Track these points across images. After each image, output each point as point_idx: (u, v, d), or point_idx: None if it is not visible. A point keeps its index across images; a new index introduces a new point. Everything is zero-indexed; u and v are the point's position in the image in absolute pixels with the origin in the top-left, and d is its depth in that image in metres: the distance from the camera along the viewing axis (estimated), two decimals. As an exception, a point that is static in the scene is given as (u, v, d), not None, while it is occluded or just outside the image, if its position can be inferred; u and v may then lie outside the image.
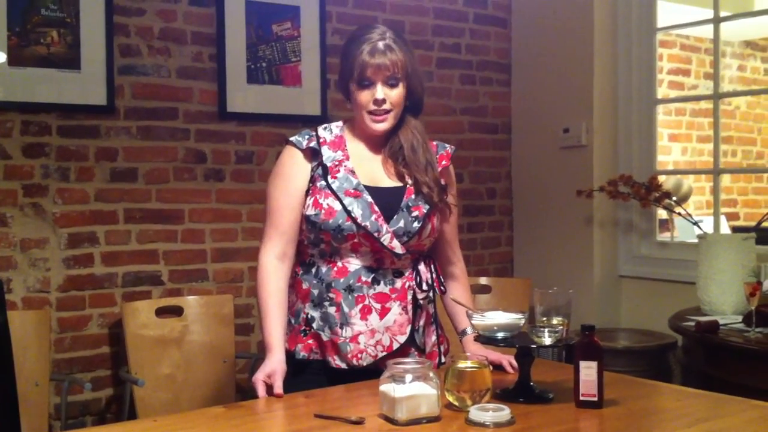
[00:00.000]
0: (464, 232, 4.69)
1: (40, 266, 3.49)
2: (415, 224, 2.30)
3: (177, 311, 3.64)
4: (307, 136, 2.37)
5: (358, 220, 2.24)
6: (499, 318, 2.12)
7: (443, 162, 2.45)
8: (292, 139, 2.38)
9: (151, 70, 3.73)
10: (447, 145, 2.51)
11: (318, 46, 4.13)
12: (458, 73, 4.70)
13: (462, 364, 2.01)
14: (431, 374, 1.92)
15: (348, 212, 2.25)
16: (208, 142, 3.87)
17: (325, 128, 2.41)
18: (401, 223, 2.28)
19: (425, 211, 2.32)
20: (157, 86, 3.75)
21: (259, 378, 2.17)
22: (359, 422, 1.88)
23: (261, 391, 2.15)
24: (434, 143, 2.48)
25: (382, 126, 2.32)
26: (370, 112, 2.30)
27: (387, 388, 1.90)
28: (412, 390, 1.87)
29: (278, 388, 2.14)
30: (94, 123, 3.60)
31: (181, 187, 3.80)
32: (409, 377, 1.88)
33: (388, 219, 2.27)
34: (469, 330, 2.39)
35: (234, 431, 1.89)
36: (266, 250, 2.32)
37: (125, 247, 3.67)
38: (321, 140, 2.36)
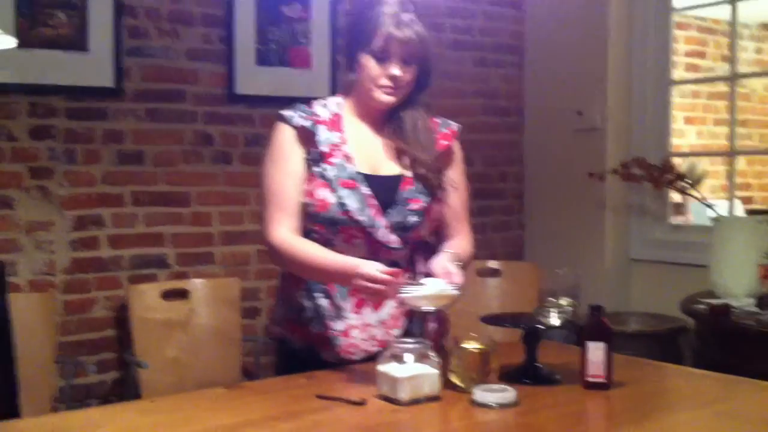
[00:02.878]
0: (475, 215, 4.54)
1: (45, 249, 3.47)
2: (412, 218, 2.18)
3: (183, 294, 3.61)
4: (300, 113, 2.22)
5: (353, 214, 2.13)
6: (427, 289, 1.99)
7: (443, 142, 2.31)
8: (284, 113, 2.23)
9: (160, 52, 3.70)
10: (452, 123, 2.37)
11: (328, 28, 4.08)
12: (471, 55, 4.65)
13: (467, 345, 1.98)
14: (431, 354, 1.89)
15: (342, 205, 2.13)
16: (217, 124, 3.84)
17: (323, 104, 2.27)
18: (398, 217, 2.17)
19: (424, 204, 2.20)
20: (166, 68, 3.71)
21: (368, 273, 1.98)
22: (361, 403, 1.85)
23: (381, 276, 1.96)
24: (437, 120, 2.34)
25: (389, 99, 2.18)
26: (380, 86, 2.17)
27: (388, 368, 1.87)
28: (414, 370, 1.85)
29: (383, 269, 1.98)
30: (101, 105, 3.57)
31: (189, 170, 3.77)
32: (410, 357, 1.86)
33: (384, 211, 2.16)
34: (449, 250, 2.19)
35: (234, 412, 1.86)
36: (277, 228, 2.17)
37: (132, 230, 3.65)
38: (317, 118, 2.22)
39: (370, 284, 1.97)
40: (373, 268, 1.97)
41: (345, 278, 2.05)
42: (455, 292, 2.01)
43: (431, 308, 2.02)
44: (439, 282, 2.01)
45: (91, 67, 3.54)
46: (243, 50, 3.88)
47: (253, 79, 3.91)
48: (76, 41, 3.51)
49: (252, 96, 3.90)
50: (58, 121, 3.48)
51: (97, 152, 3.57)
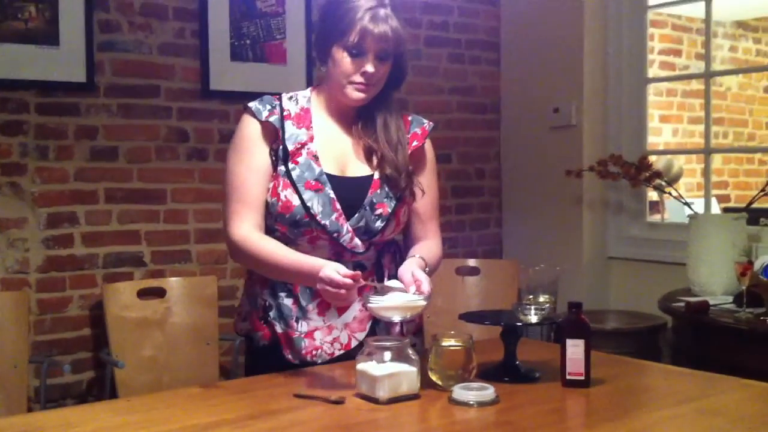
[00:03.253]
0: (452, 213, 4.64)
1: (18, 247, 3.42)
2: (378, 223, 2.13)
3: (159, 293, 3.57)
4: (268, 106, 2.16)
5: (317, 218, 2.08)
6: (395, 299, 1.95)
7: (414, 143, 2.24)
8: (251, 105, 2.16)
9: (132, 46, 3.65)
10: (425, 121, 2.30)
11: (303, 24, 4.05)
12: (447, 51, 4.63)
13: (446, 343, 1.96)
14: (410, 351, 1.87)
15: (307, 208, 2.08)
16: (191, 120, 3.80)
17: (291, 97, 2.20)
18: (362, 222, 2.12)
19: (390, 210, 2.15)
20: (138, 63, 3.67)
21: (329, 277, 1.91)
22: (339, 402, 1.83)
23: (342, 280, 1.89)
24: (409, 117, 2.28)
25: (360, 95, 2.12)
26: (352, 82, 2.11)
27: (366, 366, 1.85)
28: (392, 368, 1.82)
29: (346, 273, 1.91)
30: (73, 100, 3.52)
31: (164, 166, 3.73)
32: (388, 355, 1.83)
33: (349, 216, 2.10)
34: (416, 255, 2.14)
35: (210, 411, 1.83)
36: (239, 223, 2.10)
37: (106, 228, 3.60)
38: (285, 113, 2.16)
39: (330, 288, 1.91)
40: (334, 271, 1.91)
41: (307, 279, 2.01)
42: (422, 303, 1.96)
43: (398, 318, 1.98)
44: (405, 293, 1.96)
45: (63, 61, 3.49)
46: (217, 45, 3.84)
47: (228, 74, 3.88)
48: (47, 35, 3.46)
49: (227, 92, 3.86)
50: (30, 116, 3.44)
51: (69, 148, 3.52)
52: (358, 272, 1.94)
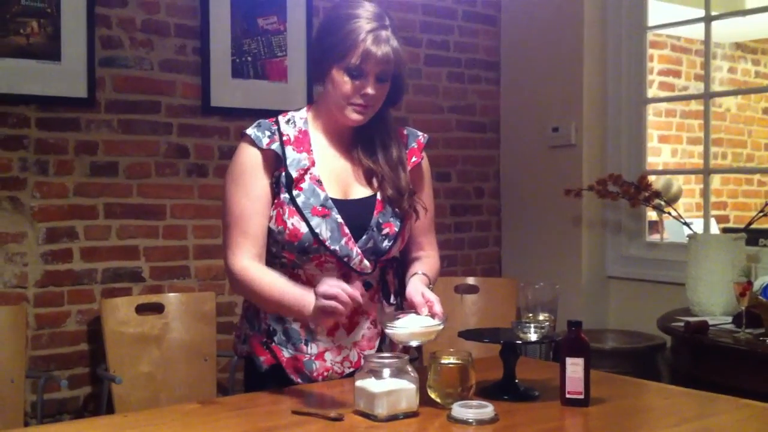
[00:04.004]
0: (452, 231, 4.64)
1: (17, 261, 3.41)
2: (386, 243, 2.13)
3: (158, 308, 3.56)
4: (267, 132, 2.13)
5: (327, 244, 2.06)
6: (412, 326, 1.97)
7: (413, 159, 2.24)
8: (249, 133, 2.12)
9: (133, 62, 3.66)
10: (419, 134, 2.29)
11: (304, 41, 4.06)
12: (446, 70, 4.65)
13: (445, 360, 1.95)
14: (409, 368, 1.86)
15: (315, 234, 2.05)
16: (191, 136, 3.80)
17: (288, 120, 2.17)
18: (371, 243, 2.11)
19: (396, 229, 2.14)
20: (139, 79, 3.68)
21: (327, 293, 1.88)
22: (338, 419, 1.82)
23: (343, 294, 1.87)
24: (404, 131, 2.27)
25: (359, 117, 2.10)
26: (352, 104, 2.08)
27: (365, 383, 1.84)
28: (391, 385, 1.82)
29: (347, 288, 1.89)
30: (74, 116, 3.53)
31: (163, 182, 3.73)
32: (387, 372, 1.83)
33: (357, 238, 2.10)
34: (419, 271, 2.18)
35: (208, 428, 1.82)
36: (239, 255, 2.07)
37: (105, 243, 3.60)
38: (284, 138, 2.13)
39: (329, 303, 1.87)
40: (329, 288, 1.88)
41: (300, 310, 1.97)
42: (440, 327, 1.98)
43: (416, 343, 2.00)
44: (422, 317, 1.99)
45: (64, 76, 3.49)
46: (218, 62, 3.85)
47: (229, 91, 3.88)
48: (49, 50, 3.47)
49: (227, 108, 3.87)
50: (30, 131, 3.44)
51: (69, 163, 3.52)
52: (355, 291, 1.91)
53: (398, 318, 2.00)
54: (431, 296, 2.03)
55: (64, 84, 3.50)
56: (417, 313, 2.01)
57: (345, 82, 2.07)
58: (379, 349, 2.18)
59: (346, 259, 2.08)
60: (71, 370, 3.53)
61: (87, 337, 3.57)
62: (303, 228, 2.06)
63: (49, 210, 3.48)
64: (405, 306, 2.09)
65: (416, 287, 2.08)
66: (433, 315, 2.00)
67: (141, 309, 3.52)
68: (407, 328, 1.96)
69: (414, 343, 2.01)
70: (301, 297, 1.96)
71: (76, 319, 3.54)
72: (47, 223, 3.47)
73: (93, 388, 3.58)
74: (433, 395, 1.93)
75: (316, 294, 1.90)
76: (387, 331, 1.99)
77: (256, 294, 2.08)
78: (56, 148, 3.49)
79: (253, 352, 2.20)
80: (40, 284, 3.46)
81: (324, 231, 2.07)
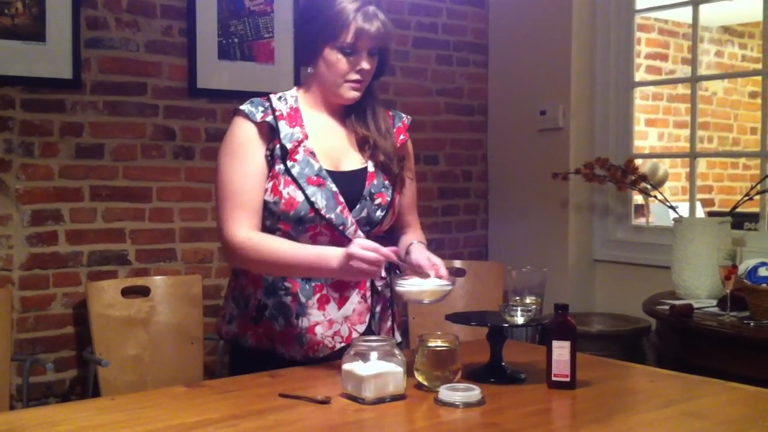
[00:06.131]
0: (439, 214, 4.64)
1: (2, 244, 3.39)
2: (378, 213, 2.18)
3: (144, 291, 3.56)
4: (260, 107, 2.15)
5: (322, 212, 2.09)
6: (426, 284, 2.03)
7: (401, 137, 2.30)
8: (243, 108, 2.15)
9: (119, 43, 3.63)
10: (404, 116, 2.35)
11: (291, 23, 4.02)
12: (435, 53, 4.63)
13: (432, 343, 1.95)
14: (396, 351, 1.87)
15: (311, 203, 2.09)
16: (178, 118, 3.78)
17: (280, 98, 2.21)
18: (364, 212, 2.15)
19: (388, 199, 2.20)
20: (125, 60, 3.65)
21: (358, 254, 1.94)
22: (325, 402, 1.82)
23: (371, 255, 1.94)
24: (390, 112, 2.33)
25: (357, 94, 2.16)
26: (348, 81, 2.14)
27: (352, 366, 1.84)
28: (379, 368, 1.82)
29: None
30: (59, 97, 3.50)
31: (149, 164, 3.71)
32: (374, 355, 1.83)
33: (351, 208, 2.13)
34: (415, 241, 2.23)
35: (195, 411, 1.82)
36: (238, 226, 2.09)
37: (91, 226, 3.58)
38: (277, 113, 2.16)
39: (364, 264, 1.93)
40: (359, 248, 1.94)
41: (321, 268, 2.03)
42: (449, 287, 2.03)
43: (428, 301, 2.04)
44: (430, 280, 2.04)
45: (49, 58, 3.47)
46: (205, 43, 3.82)
47: (215, 73, 3.86)
48: (34, 31, 3.44)
49: (214, 90, 3.85)
50: (15, 112, 3.41)
51: (54, 145, 3.50)
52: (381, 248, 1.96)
53: (406, 279, 2.05)
54: (437, 260, 2.08)
55: (50, 65, 3.47)
56: (422, 277, 2.05)
57: (339, 60, 2.12)
58: (369, 325, 2.21)
59: (341, 228, 2.12)
60: (57, 353, 3.52)
61: (73, 320, 3.55)
62: (299, 197, 2.09)
63: (35, 192, 3.46)
64: (408, 271, 2.12)
65: (421, 252, 2.14)
66: (439, 278, 2.04)
67: (127, 292, 3.51)
68: (420, 285, 2.01)
69: (426, 301, 2.05)
70: (323, 253, 2.02)
71: (61, 302, 3.53)
72: (32, 206, 3.45)
73: (79, 372, 3.58)
74: (420, 378, 1.93)
75: (350, 255, 1.94)
76: (398, 289, 2.03)
77: (265, 260, 2.08)
78: (41, 129, 3.46)
79: (238, 332, 2.21)
80: (26, 267, 3.44)
81: (319, 200, 2.10)
